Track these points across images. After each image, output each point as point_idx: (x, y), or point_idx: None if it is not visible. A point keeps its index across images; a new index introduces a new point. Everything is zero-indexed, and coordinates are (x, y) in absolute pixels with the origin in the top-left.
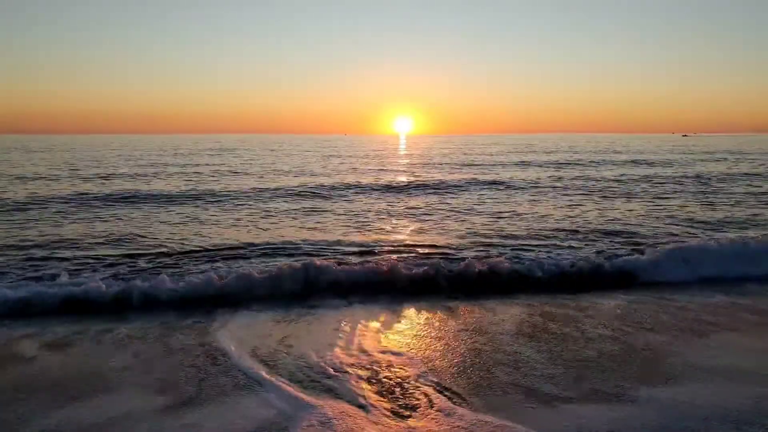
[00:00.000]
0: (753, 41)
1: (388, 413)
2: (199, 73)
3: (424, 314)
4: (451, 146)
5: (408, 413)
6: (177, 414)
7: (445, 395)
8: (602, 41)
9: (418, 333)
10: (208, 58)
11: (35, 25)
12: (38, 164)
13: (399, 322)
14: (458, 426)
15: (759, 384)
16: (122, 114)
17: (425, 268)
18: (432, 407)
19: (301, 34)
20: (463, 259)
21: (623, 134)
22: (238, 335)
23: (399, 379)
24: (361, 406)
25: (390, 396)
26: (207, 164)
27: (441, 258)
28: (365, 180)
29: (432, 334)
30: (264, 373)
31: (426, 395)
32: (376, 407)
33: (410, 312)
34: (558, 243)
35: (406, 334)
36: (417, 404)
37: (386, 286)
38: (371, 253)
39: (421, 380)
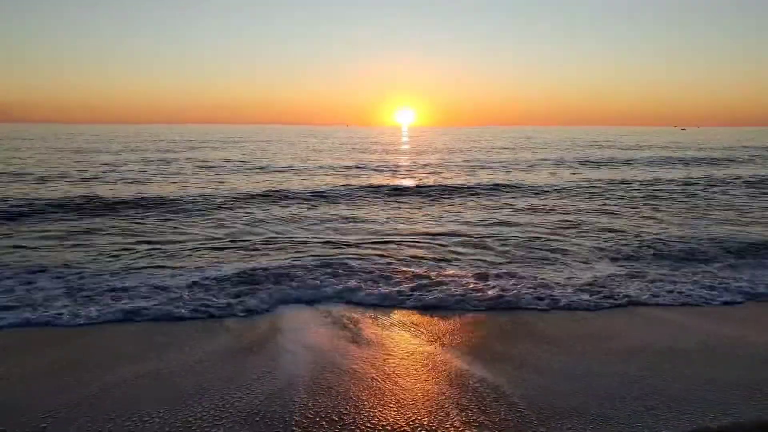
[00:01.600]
0: (754, 33)
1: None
2: (196, 64)
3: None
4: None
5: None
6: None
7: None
8: (600, 33)
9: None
10: (204, 49)
11: (34, 13)
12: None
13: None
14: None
15: None
16: (124, 105)
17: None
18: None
19: (301, 24)
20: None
21: (623, 127)
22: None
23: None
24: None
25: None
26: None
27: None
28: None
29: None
30: None
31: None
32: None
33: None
34: None
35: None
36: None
37: None
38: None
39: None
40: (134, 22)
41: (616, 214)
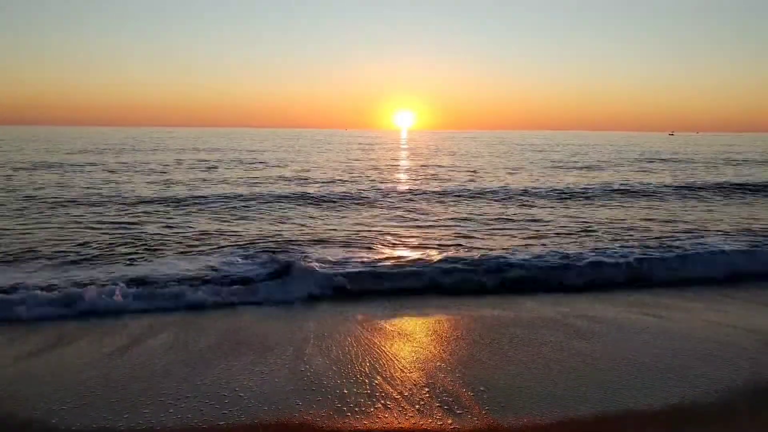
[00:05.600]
0: (747, 35)
1: None
2: (190, 65)
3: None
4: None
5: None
6: None
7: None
8: (594, 37)
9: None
10: (200, 50)
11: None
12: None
13: None
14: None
15: None
16: (125, 106)
17: None
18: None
19: (298, 25)
20: None
21: (614, 132)
22: None
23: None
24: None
25: None
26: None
27: None
28: None
29: None
30: None
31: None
32: None
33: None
34: None
35: None
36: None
37: None
38: None
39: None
40: (133, 16)
41: None
